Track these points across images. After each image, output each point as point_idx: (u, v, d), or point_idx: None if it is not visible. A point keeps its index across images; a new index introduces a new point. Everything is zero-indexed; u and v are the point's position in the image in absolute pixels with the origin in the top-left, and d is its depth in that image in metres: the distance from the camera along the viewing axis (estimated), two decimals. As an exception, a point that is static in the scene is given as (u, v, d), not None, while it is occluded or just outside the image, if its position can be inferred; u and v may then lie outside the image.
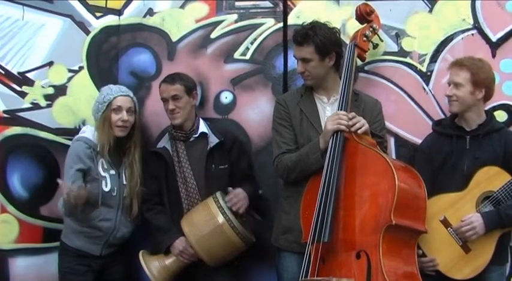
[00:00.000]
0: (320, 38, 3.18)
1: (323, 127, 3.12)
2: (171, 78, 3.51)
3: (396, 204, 2.79)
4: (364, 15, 3.39)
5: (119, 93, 3.47)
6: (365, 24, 3.40)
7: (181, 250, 3.36)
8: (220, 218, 3.30)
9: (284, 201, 3.29)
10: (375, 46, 3.47)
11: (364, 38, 3.34)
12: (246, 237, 3.36)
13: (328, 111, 3.25)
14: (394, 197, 2.79)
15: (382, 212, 2.81)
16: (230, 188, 3.41)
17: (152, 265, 3.39)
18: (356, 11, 3.42)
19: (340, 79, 3.21)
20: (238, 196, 3.38)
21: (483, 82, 3.19)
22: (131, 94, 3.54)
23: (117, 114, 3.43)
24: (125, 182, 3.49)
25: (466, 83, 3.18)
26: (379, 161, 2.90)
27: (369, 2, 3.49)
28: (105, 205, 3.42)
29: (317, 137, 3.12)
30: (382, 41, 3.52)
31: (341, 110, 3.09)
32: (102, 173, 3.43)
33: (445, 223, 3.14)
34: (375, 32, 3.39)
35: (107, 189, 3.42)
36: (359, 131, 3.02)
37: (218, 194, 3.37)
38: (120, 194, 3.46)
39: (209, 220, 3.31)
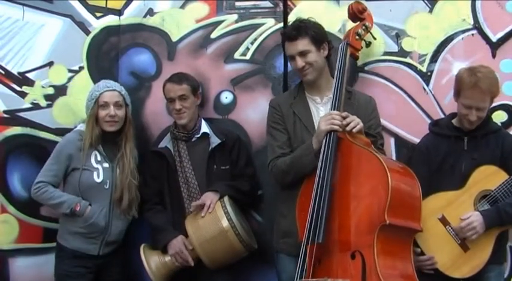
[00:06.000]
0: (313, 29, 3.22)
1: (316, 128, 3.11)
2: (178, 78, 3.51)
3: (390, 203, 2.77)
4: (357, 14, 3.36)
5: (105, 89, 3.47)
6: (358, 23, 3.37)
7: (177, 251, 3.36)
8: (226, 225, 3.29)
9: (281, 205, 3.28)
10: (368, 44, 3.42)
11: (357, 37, 3.31)
12: (249, 244, 3.37)
13: (322, 111, 3.24)
14: (387, 197, 2.77)
15: (376, 212, 2.79)
16: None
17: (152, 259, 3.39)
18: (348, 9, 3.38)
19: (333, 78, 3.20)
20: None
21: (496, 94, 3.18)
22: (118, 88, 3.52)
23: (104, 109, 3.44)
24: (118, 176, 3.47)
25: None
26: (372, 161, 2.88)
27: (368, 2, 3.48)
28: (97, 201, 3.41)
29: (310, 139, 3.10)
30: (375, 39, 3.47)
31: (334, 109, 3.06)
32: (95, 165, 3.44)
33: (444, 221, 3.13)
34: (367, 30, 3.35)
35: (98, 180, 3.42)
36: (354, 130, 2.99)
37: (226, 199, 3.36)
38: (112, 188, 3.45)
39: (214, 225, 3.30)
